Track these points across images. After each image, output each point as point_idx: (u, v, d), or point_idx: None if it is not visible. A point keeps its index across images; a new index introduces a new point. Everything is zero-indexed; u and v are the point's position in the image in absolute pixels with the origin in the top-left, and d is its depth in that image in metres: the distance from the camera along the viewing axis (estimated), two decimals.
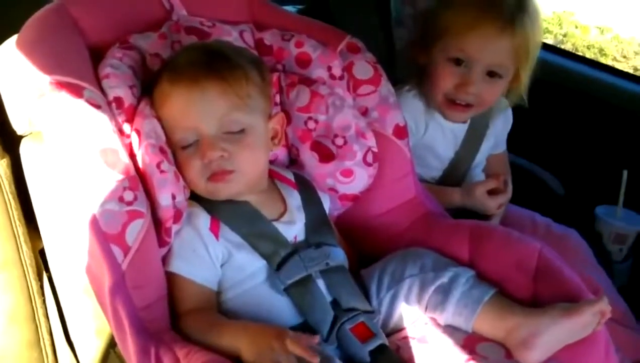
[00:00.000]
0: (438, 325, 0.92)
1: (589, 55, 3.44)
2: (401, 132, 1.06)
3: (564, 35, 3.76)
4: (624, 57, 3.60)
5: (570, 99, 1.69)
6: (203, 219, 0.88)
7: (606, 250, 1.46)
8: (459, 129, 1.28)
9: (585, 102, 1.66)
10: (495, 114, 1.31)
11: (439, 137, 1.26)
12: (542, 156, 1.64)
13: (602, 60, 3.40)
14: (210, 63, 0.86)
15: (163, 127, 0.87)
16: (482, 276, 0.94)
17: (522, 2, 1.16)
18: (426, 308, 0.92)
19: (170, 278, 0.85)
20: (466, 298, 0.89)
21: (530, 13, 1.17)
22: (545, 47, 1.64)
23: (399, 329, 0.94)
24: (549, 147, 1.68)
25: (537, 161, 1.62)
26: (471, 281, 0.92)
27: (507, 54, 1.16)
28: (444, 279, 0.91)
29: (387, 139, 1.05)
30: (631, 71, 3.23)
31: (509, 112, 1.36)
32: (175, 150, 0.88)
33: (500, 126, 1.35)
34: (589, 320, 0.84)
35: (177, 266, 0.85)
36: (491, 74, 1.17)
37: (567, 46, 3.62)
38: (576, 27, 3.77)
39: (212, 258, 0.86)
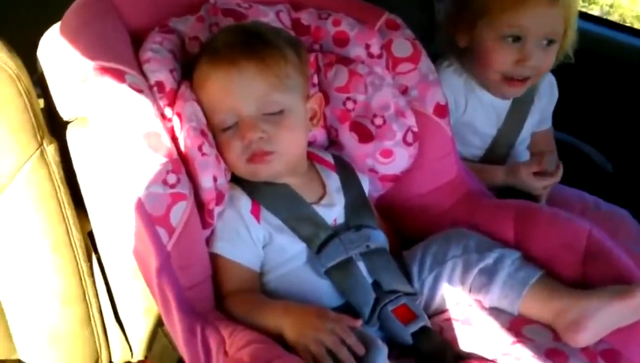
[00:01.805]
0: (483, 307, 0.91)
1: (638, 26, 3.29)
2: (442, 110, 1.04)
3: (610, 6, 3.62)
4: None
5: (618, 71, 1.62)
6: (244, 202, 0.88)
7: None
8: (502, 106, 1.25)
9: (634, 75, 1.60)
10: (540, 88, 1.27)
11: (480, 114, 1.23)
12: (589, 132, 1.59)
13: None
14: (248, 44, 0.87)
15: (203, 110, 0.88)
16: (529, 258, 0.93)
17: None
18: (470, 289, 0.91)
19: (214, 260, 0.87)
20: (512, 280, 0.88)
21: None
22: (591, 18, 1.58)
23: (442, 311, 0.93)
24: (595, 123, 1.62)
25: (584, 138, 1.57)
26: (517, 262, 0.90)
27: (559, 21, 1.15)
28: (489, 260, 0.90)
29: (428, 118, 1.04)
30: None
31: (555, 87, 1.32)
32: (215, 132, 0.88)
33: (545, 101, 1.31)
34: (636, 304, 0.82)
35: (221, 247, 0.87)
36: (547, 42, 1.15)
37: (614, 17, 3.47)
38: None
39: (254, 240, 0.87)
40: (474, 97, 1.23)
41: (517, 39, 1.14)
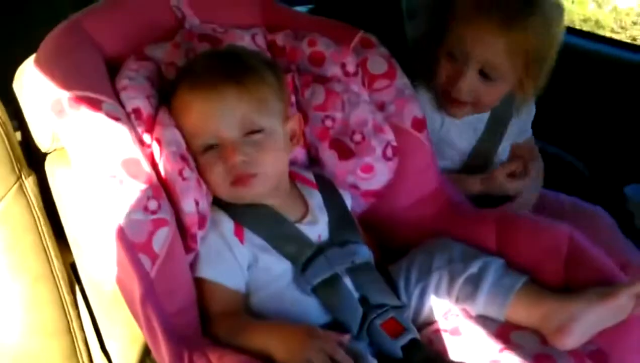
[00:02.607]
0: (470, 316, 0.91)
1: (585, 29, 3.31)
2: (420, 124, 1.05)
3: None
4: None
5: (585, 79, 1.65)
6: (227, 224, 0.88)
7: (638, 230, 1.43)
8: (478, 121, 1.25)
9: (603, 81, 1.63)
10: (519, 104, 1.26)
11: (456, 130, 1.24)
12: (563, 138, 1.62)
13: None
14: (228, 68, 0.87)
15: (184, 134, 0.88)
16: (512, 265, 0.93)
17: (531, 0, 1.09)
18: (457, 299, 0.91)
19: (199, 284, 0.86)
20: (497, 287, 0.89)
21: (542, 14, 1.09)
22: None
23: (430, 322, 0.93)
24: (569, 130, 1.65)
25: (558, 144, 1.59)
26: (501, 269, 0.91)
27: (502, 55, 1.08)
28: (473, 269, 0.91)
29: (406, 132, 1.04)
30: None
31: (532, 101, 1.32)
32: (196, 156, 0.88)
33: (524, 116, 1.31)
34: (624, 303, 0.83)
35: (205, 271, 0.86)
36: (484, 74, 1.11)
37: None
38: (572, 2, 3.67)
39: (239, 262, 0.86)
40: (446, 120, 1.22)
41: (458, 58, 1.12)
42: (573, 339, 0.83)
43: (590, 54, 1.70)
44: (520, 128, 1.33)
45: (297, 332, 0.77)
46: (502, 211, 1.04)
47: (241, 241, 0.88)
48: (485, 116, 1.25)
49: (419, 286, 0.93)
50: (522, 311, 0.88)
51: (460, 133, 1.25)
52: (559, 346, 0.84)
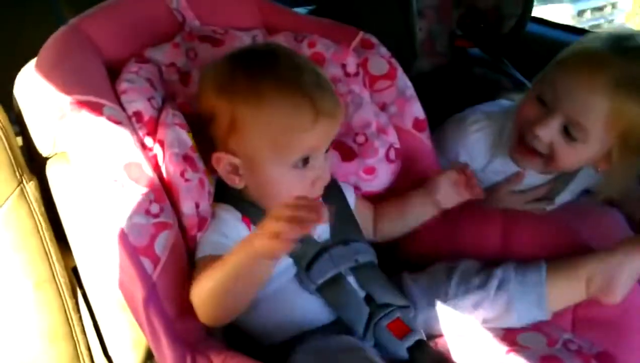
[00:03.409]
0: None
1: None
2: (421, 125, 1.05)
3: None
4: None
5: None
6: (235, 213, 0.87)
7: None
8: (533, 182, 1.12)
9: None
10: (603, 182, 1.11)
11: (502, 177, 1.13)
12: None
13: None
14: (331, 85, 0.86)
15: (261, 140, 0.82)
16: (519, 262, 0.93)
17: None
18: (484, 321, 0.91)
19: (196, 268, 0.83)
20: (527, 291, 0.88)
21: None
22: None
23: (436, 326, 0.93)
24: None
25: None
26: (518, 272, 0.90)
27: (593, 115, 0.95)
28: (491, 287, 0.90)
29: (407, 133, 1.04)
30: None
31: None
32: (278, 168, 0.83)
33: (584, 181, 1.17)
34: None
35: (203, 251, 0.83)
36: (567, 131, 0.98)
37: None
38: None
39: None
40: (498, 162, 1.13)
41: (547, 105, 1.00)
42: (621, 290, 0.85)
43: None
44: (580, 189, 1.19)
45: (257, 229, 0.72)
46: (507, 210, 1.03)
47: (249, 227, 0.86)
48: (540, 179, 1.13)
49: (431, 309, 0.92)
50: (561, 295, 0.88)
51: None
52: (611, 301, 0.85)
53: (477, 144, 1.12)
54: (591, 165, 1.05)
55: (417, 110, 1.05)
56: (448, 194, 0.98)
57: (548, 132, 1.00)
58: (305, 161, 0.84)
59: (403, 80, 1.06)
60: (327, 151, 0.87)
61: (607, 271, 0.85)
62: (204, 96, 0.87)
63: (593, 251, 0.89)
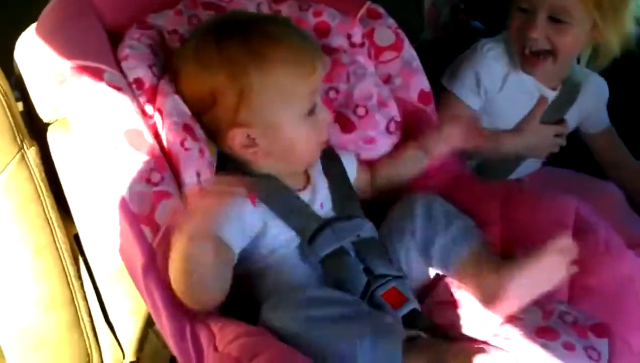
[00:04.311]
0: None
1: None
2: (426, 97, 1.04)
3: None
4: None
5: None
6: (239, 188, 0.86)
7: None
8: (546, 93, 1.23)
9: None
10: (585, 87, 1.28)
11: (516, 97, 1.23)
12: None
13: None
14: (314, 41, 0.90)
15: (273, 100, 0.83)
16: (516, 238, 0.92)
17: None
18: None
19: None
20: (445, 255, 0.89)
21: None
22: None
23: (431, 293, 0.93)
24: None
25: None
26: (456, 234, 0.89)
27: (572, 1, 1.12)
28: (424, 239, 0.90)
29: (412, 105, 1.03)
30: None
31: (604, 86, 1.32)
32: (295, 122, 0.85)
33: (591, 102, 1.30)
34: (554, 262, 0.80)
35: None
36: (555, 20, 1.14)
37: None
38: None
39: (244, 222, 0.82)
40: (512, 82, 1.22)
41: (528, 10, 1.16)
42: (506, 305, 0.82)
43: None
44: (585, 115, 1.30)
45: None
46: (508, 184, 1.02)
47: (253, 203, 0.85)
48: (554, 92, 1.24)
49: (402, 248, 0.92)
50: (462, 278, 0.88)
51: (520, 102, 1.23)
52: (494, 312, 0.83)
53: (493, 64, 1.21)
54: (589, 42, 1.20)
55: (422, 82, 1.04)
56: (439, 145, 0.98)
57: (540, 29, 1.15)
58: (312, 110, 0.86)
59: (409, 52, 1.05)
60: None
61: (494, 284, 0.81)
62: (192, 83, 0.85)
63: (591, 251, 0.87)
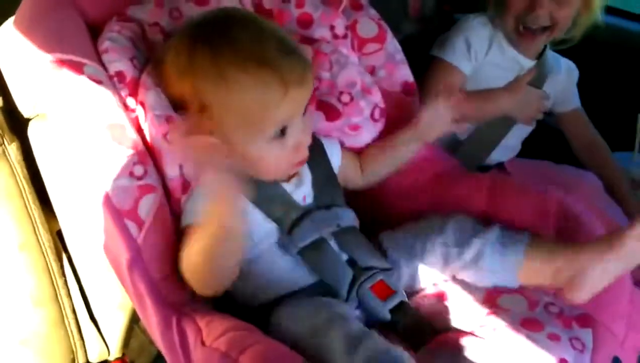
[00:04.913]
0: (457, 281, 0.91)
1: None
2: (410, 88, 1.04)
3: None
4: None
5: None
6: None
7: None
8: (524, 67, 1.28)
9: (592, 47, 1.61)
10: (556, 67, 1.34)
11: (498, 68, 1.28)
12: None
13: None
14: (300, 50, 0.83)
15: (234, 121, 0.80)
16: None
17: None
18: (454, 276, 0.91)
19: (183, 235, 0.81)
20: (503, 258, 0.87)
21: None
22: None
23: (418, 289, 0.94)
24: None
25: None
26: (500, 239, 0.89)
27: None
28: (468, 255, 0.89)
29: (396, 97, 1.03)
30: None
31: (572, 64, 1.37)
32: (254, 141, 0.81)
33: (562, 80, 1.35)
34: (633, 248, 0.81)
35: (189, 218, 0.82)
36: None
37: None
38: None
39: None
40: (496, 49, 1.28)
41: None
42: (586, 291, 0.82)
43: None
44: (557, 90, 1.34)
45: None
46: (493, 176, 1.03)
47: None
48: (530, 64, 1.30)
49: (412, 265, 0.92)
50: (533, 272, 0.87)
51: (502, 74, 1.26)
52: (574, 299, 0.83)
53: (481, 28, 1.28)
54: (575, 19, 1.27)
55: (406, 74, 1.04)
56: (432, 124, 0.97)
57: (546, 8, 1.21)
58: (282, 131, 0.82)
59: (393, 43, 1.04)
60: (304, 113, 0.85)
61: (575, 269, 0.82)
62: (168, 82, 0.84)
63: (576, 241, 0.87)
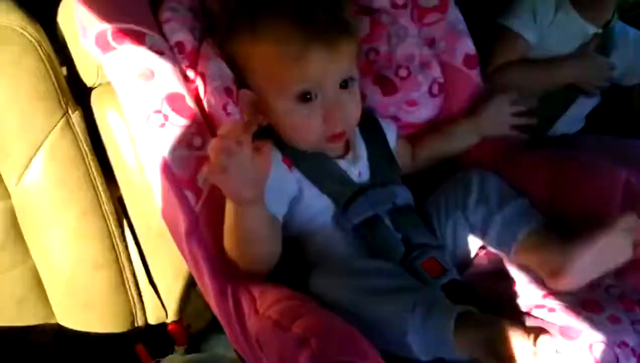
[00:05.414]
0: (513, 261, 0.89)
1: None
2: (472, 61, 1.01)
3: None
4: None
5: None
6: (276, 153, 0.85)
7: None
8: (591, 33, 1.22)
9: None
10: (626, 36, 1.27)
11: (562, 34, 1.22)
12: None
13: None
14: (340, 18, 0.82)
15: (261, 75, 0.82)
16: (564, 211, 0.90)
17: None
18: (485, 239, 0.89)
19: None
20: (506, 229, 0.87)
21: None
22: None
23: (470, 262, 0.92)
24: None
25: None
26: (515, 211, 0.88)
27: None
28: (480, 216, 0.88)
29: (457, 69, 1.01)
30: None
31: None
32: (282, 102, 0.82)
33: (632, 50, 1.28)
34: (622, 239, 0.78)
35: None
36: None
37: None
38: None
39: (283, 189, 0.83)
40: (562, 16, 1.22)
41: None
42: (568, 281, 0.80)
43: None
44: (625, 61, 1.27)
45: None
46: (554, 153, 0.99)
47: (289, 168, 0.85)
48: (592, 32, 1.23)
49: (450, 223, 0.91)
50: (524, 254, 0.86)
51: (565, 41, 1.22)
52: (555, 287, 0.81)
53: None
54: None
55: (468, 46, 1.01)
56: (494, 122, 0.95)
57: None
58: (307, 94, 0.81)
59: (454, 13, 1.01)
60: (346, 85, 0.83)
61: (560, 259, 0.79)
62: (221, 40, 0.86)
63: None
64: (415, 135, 1.02)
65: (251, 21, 0.81)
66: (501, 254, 0.89)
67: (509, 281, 0.87)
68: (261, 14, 0.80)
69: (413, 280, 0.78)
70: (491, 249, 0.90)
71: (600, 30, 1.24)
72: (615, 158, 0.97)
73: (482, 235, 0.89)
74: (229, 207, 0.75)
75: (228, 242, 0.78)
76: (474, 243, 0.91)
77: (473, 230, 0.90)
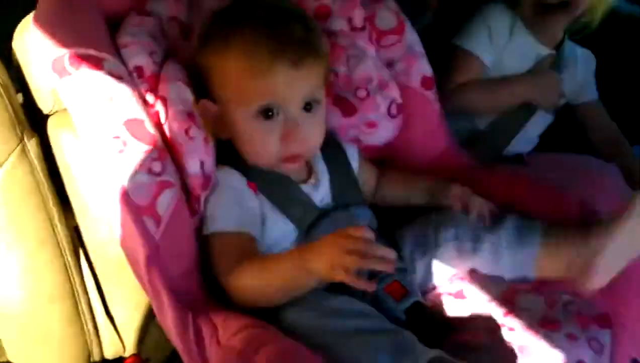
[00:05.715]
0: (474, 279, 0.90)
1: None
2: (429, 83, 1.03)
3: None
4: None
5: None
6: (239, 177, 0.85)
7: None
8: (543, 56, 1.26)
9: (609, 38, 1.58)
10: (578, 55, 1.32)
11: (517, 57, 1.25)
12: None
13: None
14: (310, 38, 0.83)
15: (223, 86, 0.84)
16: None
17: None
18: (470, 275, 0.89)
19: (210, 242, 0.82)
20: (518, 251, 0.86)
21: None
22: None
23: (434, 287, 0.92)
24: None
25: None
26: (514, 233, 0.87)
27: None
28: (483, 251, 0.88)
29: (414, 91, 1.02)
30: None
31: (590, 54, 1.35)
32: (241, 116, 0.83)
33: (581, 70, 1.33)
34: (636, 226, 0.79)
35: (216, 225, 0.83)
36: None
37: None
38: None
39: (253, 209, 0.83)
40: (516, 37, 1.24)
41: None
42: (599, 277, 0.80)
43: None
44: (576, 81, 1.32)
45: (323, 245, 0.71)
46: (513, 174, 1.01)
47: (255, 192, 0.85)
48: (552, 52, 1.28)
49: (425, 259, 0.91)
50: (548, 263, 0.85)
51: (520, 63, 1.25)
52: (588, 287, 0.81)
53: (502, 15, 1.24)
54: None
55: (425, 67, 1.03)
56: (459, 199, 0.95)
57: None
58: (269, 111, 0.82)
59: (412, 35, 1.03)
60: (310, 108, 0.84)
61: (588, 253, 0.80)
62: (196, 50, 0.88)
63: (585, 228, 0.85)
64: (380, 172, 1.02)
65: (226, 33, 0.83)
66: (519, 274, 0.87)
67: (471, 300, 0.88)
68: (236, 26, 0.82)
69: (385, 321, 0.77)
70: (496, 274, 0.89)
71: (553, 52, 1.28)
72: (569, 176, 0.99)
73: (491, 264, 0.88)
74: (287, 266, 0.74)
75: (262, 288, 0.76)
76: (446, 273, 0.91)
77: (455, 265, 0.90)
